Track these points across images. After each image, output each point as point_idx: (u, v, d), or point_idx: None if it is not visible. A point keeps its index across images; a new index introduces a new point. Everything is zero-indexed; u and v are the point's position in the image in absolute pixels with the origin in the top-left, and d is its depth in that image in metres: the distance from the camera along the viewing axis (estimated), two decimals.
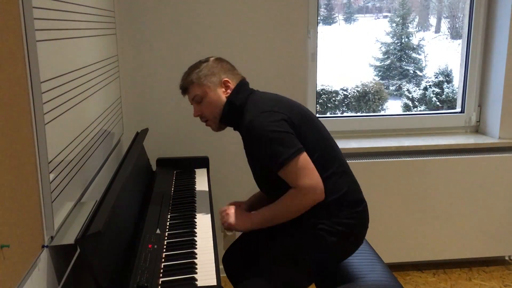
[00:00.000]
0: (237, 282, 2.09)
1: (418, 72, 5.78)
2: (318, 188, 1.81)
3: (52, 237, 1.48)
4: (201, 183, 2.45)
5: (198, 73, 2.04)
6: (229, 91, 2.02)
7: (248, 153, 2.02)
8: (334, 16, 5.63)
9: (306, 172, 1.81)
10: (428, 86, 5.30)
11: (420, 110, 5.21)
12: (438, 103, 5.19)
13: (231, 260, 2.24)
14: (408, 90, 5.49)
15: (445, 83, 5.18)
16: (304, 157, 1.82)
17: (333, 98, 5.08)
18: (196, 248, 1.76)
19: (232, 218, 1.98)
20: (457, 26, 5.50)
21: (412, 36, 5.84)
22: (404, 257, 3.16)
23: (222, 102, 2.02)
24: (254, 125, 1.85)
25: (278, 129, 1.82)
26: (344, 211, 1.88)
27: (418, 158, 3.05)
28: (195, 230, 1.92)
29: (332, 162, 1.93)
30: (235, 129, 2.08)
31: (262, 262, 1.94)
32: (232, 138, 3.00)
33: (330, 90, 5.06)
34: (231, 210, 2.00)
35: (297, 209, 1.85)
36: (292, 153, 1.80)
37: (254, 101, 1.96)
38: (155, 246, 1.77)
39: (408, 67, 5.78)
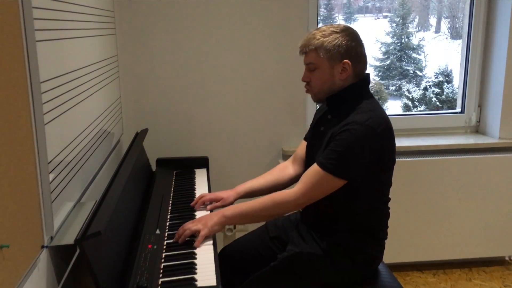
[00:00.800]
0: (229, 283, 2.07)
1: (418, 72, 5.78)
2: (300, 205, 1.85)
3: (51, 238, 1.48)
4: (201, 183, 2.45)
5: (323, 42, 1.86)
6: (345, 75, 1.87)
7: (328, 136, 1.87)
8: (334, 16, 5.62)
9: (318, 190, 1.80)
10: (428, 86, 5.29)
11: (420, 110, 5.20)
12: (438, 103, 5.18)
13: (224, 261, 2.22)
14: (408, 90, 5.48)
15: (445, 83, 5.17)
16: (335, 183, 1.79)
17: None
18: (195, 249, 1.76)
19: (194, 223, 1.86)
20: (457, 26, 5.49)
21: (412, 36, 5.83)
22: (404, 257, 3.16)
23: (332, 81, 1.89)
24: (357, 129, 1.76)
25: (363, 151, 1.78)
26: (376, 246, 1.96)
27: (418, 159, 3.05)
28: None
29: (388, 201, 2.00)
30: (330, 110, 1.98)
31: (267, 269, 1.93)
32: (232, 138, 3.01)
33: None
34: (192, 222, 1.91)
35: (274, 202, 1.86)
36: (335, 170, 1.77)
37: (373, 108, 1.86)
38: (155, 247, 1.77)
39: (408, 67, 5.77)
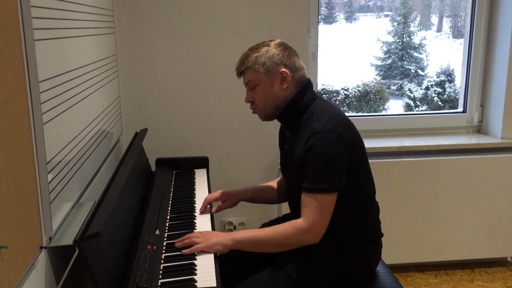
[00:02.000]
0: (229, 285, 2.07)
1: (420, 72, 5.78)
2: (321, 233, 1.80)
3: (50, 238, 1.48)
4: (200, 183, 2.45)
5: (257, 58, 1.90)
6: (285, 85, 1.89)
7: (294, 155, 1.89)
8: (335, 15, 5.63)
9: (322, 213, 1.79)
10: (429, 86, 5.30)
11: (422, 110, 5.21)
12: (439, 102, 5.19)
13: (224, 262, 2.21)
14: (409, 89, 5.48)
15: (447, 82, 5.18)
16: (333, 198, 1.79)
17: (334, 98, 5.08)
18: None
19: (197, 235, 1.81)
20: (459, 25, 5.49)
21: (414, 35, 5.84)
22: (406, 258, 3.15)
23: (274, 94, 1.90)
24: (321, 139, 1.77)
25: (338, 156, 1.78)
26: (371, 245, 1.96)
27: (420, 159, 3.05)
28: (194, 231, 1.92)
29: (373, 195, 2.00)
30: (285, 127, 2.01)
31: (266, 271, 1.93)
32: (233, 138, 3.00)
33: (331, 89, 5.05)
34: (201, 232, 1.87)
35: (291, 244, 1.83)
36: (328, 187, 1.77)
37: (323, 110, 1.87)
38: (155, 247, 1.77)
39: (409, 67, 5.78)
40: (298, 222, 1.80)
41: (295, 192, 1.91)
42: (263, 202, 2.32)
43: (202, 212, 2.11)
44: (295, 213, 2.03)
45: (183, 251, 1.74)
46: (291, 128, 1.96)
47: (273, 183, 2.28)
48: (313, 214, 1.78)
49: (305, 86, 1.93)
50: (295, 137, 1.90)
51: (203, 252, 1.74)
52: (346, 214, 1.88)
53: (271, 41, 1.96)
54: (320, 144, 1.76)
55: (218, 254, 1.77)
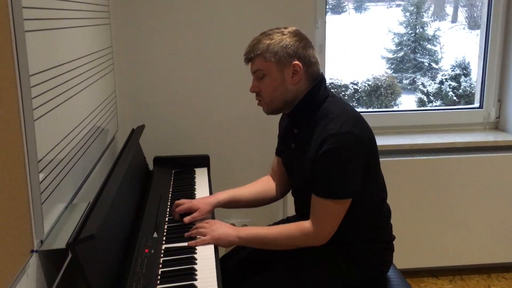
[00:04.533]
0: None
1: (434, 65, 5.76)
2: (327, 238, 1.82)
3: (41, 241, 1.47)
4: (201, 183, 2.45)
5: (269, 45, 1.85)
6: (297, 79, 1.86)
7: (304, 157, 1.87)
8: (344, 4, 5.62)
9: (333, 218, 1.79)
10: (444, 80, 5.28)
11: (436, 106, 5.20)
12: (454, 98, 5.17)
13: (226, 266, 2.21)
14: (422, 84, 5.47)
15: (463, 76, 5.16)
16: (346, 204, 1.79)
17: (343, 93, 5.07)
18: (196, 253, 1.76)
19: (203, 226, 1.89)
20: (475, 15, 5.48)
21: (427, 26, 5.81)
22: (418, 263, 3.15)
23: (284, 87, 1.87)
24: (338, 142, 1.73)
25: (355, 160, 1.76)
26: (382, 249, 1.98)
27: (434, 157, 3.05)
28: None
29: (385, 198, 1.99)
30: (293, 124, 1.98)
31: (270, 274, 1.93)
32: (235, 134, 3.00)
33: (339, 84, 5.04)
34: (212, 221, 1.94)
35: (295, 246, 1.86)
36: (343, 193, 1.77)
37: (338, 108, 1.84)
38: (152, 251, 1.77)
39: (422, 60, 5.76)
40: (306, 226, 1.80)
41: (303, 194, 1.90)
42: (251, 206, 2.23)
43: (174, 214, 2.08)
44: (301, 214, 2.02)
45: (189, 243, 1.79)
46: (300, 126, 1.93)
47: (253, 185, 2.23)
48: (323, 220, 1.78)
49: (319, 82, 1.90)
50: (305, 137, 1.87)
51: (204, 254, 1.74)
52: (357, 218, 1.87)
53: (285, 28, 1.91)
54: (337, 148, 1.73)
55: (220, 258, 1.78)
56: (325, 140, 1.75)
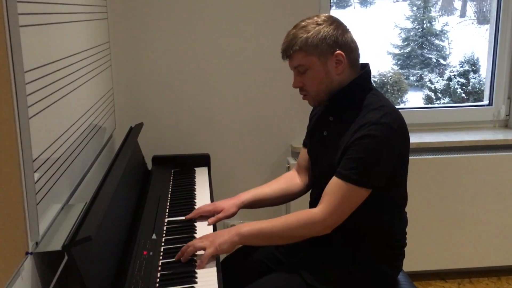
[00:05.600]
0: None
1: (442, 61, 5.77)
2: (333, 227, 1.79)
3: (37, 243, 1.47)
4: (201, 183, 2.45)
5: (307, 39, 1.81)
6: (341, 68, 1.84)
7: (337, 143, 1.84)
8: None
9: (345, 205, 1.77)
10: (452, 76, 5.29)
11: (444, 103, 5.20)
12: (463, 95, 5.17)
13: (227, 269, 2.20)
14: (430, 80, 5.47)
15: (471, 72, 5.16)
16: (363, 194, 1.77)
17: None
18: (196, 256, 1.75)
19: (200, 240, 1.78)
20: (484, 9, 5.48)
21: (435, 21, 5.82)
22: (426, 265, 3.15)
23: (330, 79, 1.85)
24: (376, 130, 1.73)
25: (387, 153, 1.76)
26: (395, 255, 1.97)
27: (442, 156, 3.04)
28: (195, 235, 1.92)
29: (405, 205, 1.98)
30: (329, 111, 1.96)
31: (272, 276, 1.93)
32: (236, 133, 3.00)
33: None
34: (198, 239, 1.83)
35: (302, 236, 1.83)
36: (364, 181, 1.75)
37: (381, 101, 1.83)
38: (151, 253, 1.76)
39: (430, 55, 5.76)
40: (314, 211, 1.78)
41: (322, 182, 1.86)
42: (276, 203, 2.20)
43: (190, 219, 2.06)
44: (315, 206, 1.98)
45: (198, 264, 1.70)
46: (337, 113, 1.92)
47: (275, 183, 2.20)
48: (336, 203, 1.75)
49: (365, 73, 1.90)
50: (342, 125, 1.85)
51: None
52: (378, 218, 1.87)
53: (318, 16, 1.88)
54: (372, 136, 1.73)
55: (221, 260, 1.77)
56: (363, 126, 1.75)
